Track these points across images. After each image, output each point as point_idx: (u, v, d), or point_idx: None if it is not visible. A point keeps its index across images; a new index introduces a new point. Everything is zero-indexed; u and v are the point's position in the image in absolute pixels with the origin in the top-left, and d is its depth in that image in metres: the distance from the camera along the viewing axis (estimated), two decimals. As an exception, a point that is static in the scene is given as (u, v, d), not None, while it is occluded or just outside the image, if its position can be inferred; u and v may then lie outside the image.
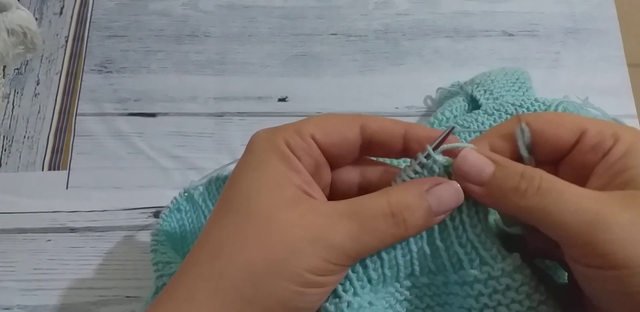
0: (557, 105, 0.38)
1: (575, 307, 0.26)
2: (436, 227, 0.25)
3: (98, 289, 0.41)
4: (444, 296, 0.26)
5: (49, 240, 0.43)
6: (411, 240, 0.25)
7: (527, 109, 0.39)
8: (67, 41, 0.51)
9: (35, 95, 0.49)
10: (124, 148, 0.46)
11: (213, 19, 0.52)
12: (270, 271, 0.23)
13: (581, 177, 0.24)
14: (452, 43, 0.51)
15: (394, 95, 0.48)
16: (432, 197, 0.24)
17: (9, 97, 0.49)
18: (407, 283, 0.26)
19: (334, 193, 0.28)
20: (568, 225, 0.22)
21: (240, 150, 0.26)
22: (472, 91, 0.43)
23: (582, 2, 0.52)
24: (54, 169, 0.46)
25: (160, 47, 0.50)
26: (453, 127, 0.26)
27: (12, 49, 0.42)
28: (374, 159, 0.29)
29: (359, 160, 0.28)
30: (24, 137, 0.47)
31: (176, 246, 0.37)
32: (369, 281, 0.25)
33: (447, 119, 0.42)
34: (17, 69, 0.50)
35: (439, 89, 0.47)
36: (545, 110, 0.38)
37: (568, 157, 0.25)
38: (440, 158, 0.25)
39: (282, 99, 0.48)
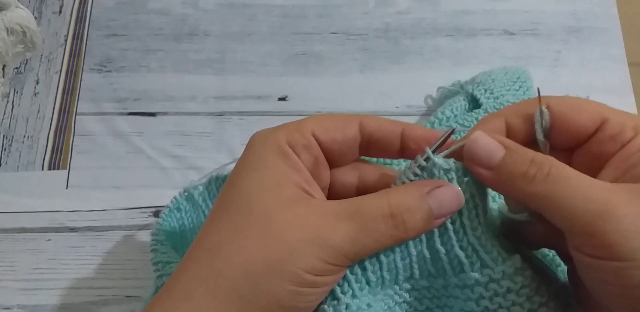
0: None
1: (575, 307, 0.26)
2: (436, 230, 0.25)
3: (98, 288, 0.41)
4: (443, 298, 0.26)
5: (49, 240, 0.43)
6: (410, 243, 0.25)
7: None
8: (66, 40, 0.51)
9: (35, 94, 0.49)
10: (124, 147, 0.46)
11: (213, 18, 0.51)
12: (269, 270, 0.23)
13: (593, 168, 0.24)
14: (452, 42, 0.50)
15: (394, 94, 0.48)
16: (432, 200, 0.24)
17: (8, 97, 0.48)
18: (407, 286, 0.26)
19: (332, 195, 0.28)
20: (575, 213, 0.21)
21: (240, 150, 0.26)
22: (472, 90, 0.43)
23: (583, 0, 0.52)
24: (54, 169, 0.46)
25: (160, 46, 0.50)
26: (453, 130, 0.26)
27: (12, 48, 0.41)
28: (374, 160, 0.29)
29: (357, 163, 0.28)
30: (24, 136, 0.47)
31: (176, 246, 0.37)
32: (368, 283, 0.25)
33: (448, 118, 0.42)
34: (17, 68, 0.50)
35: (439, 88, 0.47)
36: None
37: (584, 145, 0.25)
38: (440, 161, 0.25)
39: (282, 98, 0.48)
